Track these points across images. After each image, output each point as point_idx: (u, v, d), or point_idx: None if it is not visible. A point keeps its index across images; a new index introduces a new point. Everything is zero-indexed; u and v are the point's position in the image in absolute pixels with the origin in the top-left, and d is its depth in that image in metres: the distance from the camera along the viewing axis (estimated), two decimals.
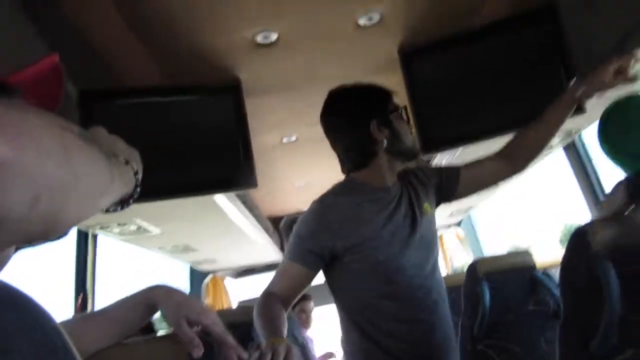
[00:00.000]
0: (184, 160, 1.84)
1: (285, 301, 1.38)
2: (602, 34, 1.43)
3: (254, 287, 5.07)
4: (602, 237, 0.95)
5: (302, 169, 3.18)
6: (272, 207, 3.86)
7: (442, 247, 4.64)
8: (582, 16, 1.50)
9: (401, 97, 2.04)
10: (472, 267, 1.75)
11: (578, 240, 0.96)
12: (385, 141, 1.43)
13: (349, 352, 1.50)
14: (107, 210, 0.70)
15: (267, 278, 4.90)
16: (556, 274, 1.81)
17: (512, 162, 1.54)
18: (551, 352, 1.63)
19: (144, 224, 2.25)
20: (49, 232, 0.46)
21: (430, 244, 1.49)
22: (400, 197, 1.48)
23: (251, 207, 2.85)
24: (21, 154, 0.40)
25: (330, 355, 4.19)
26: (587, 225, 0.97)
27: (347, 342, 1.51)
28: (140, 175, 0.70)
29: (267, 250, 3.77)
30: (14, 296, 0.42)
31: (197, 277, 4.09)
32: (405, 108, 1.51)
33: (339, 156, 1.51)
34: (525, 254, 1.86)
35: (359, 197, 1.44)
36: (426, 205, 1.51)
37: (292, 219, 4.14)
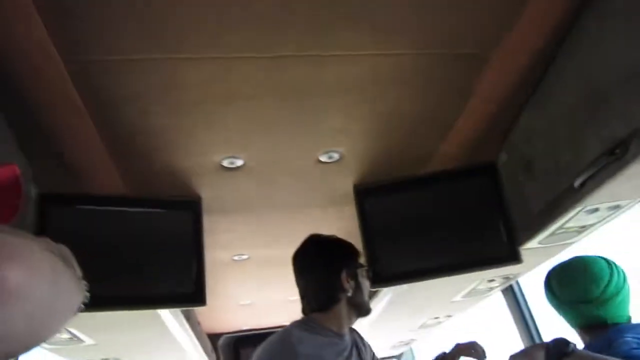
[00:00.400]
0: (135, 272, 1.83)
1: None
2: (537, 194, 1.61)
3: None
4: None
5: (249, 288, 3.16)
6: (213, 323, 3.75)
7: None
8: (520, 177, 1.69)
9: (356, 229, 2.17)
10: None
11: None
12: (350, 291, 1.57)
13: None
14: None
15: None
16: None
17: None
18: None
19: (78, 334, 2.14)
20: (29, 346, 0.51)
21: None
22: (352, 348, 1.58)
23: (193, 323, 2.77)
24: (27, 280, 0.46)
25: None
26: None
27: None
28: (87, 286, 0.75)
29: None
30: None
31: None
32: (368, 269, 1.68)
33: (304, 295, 1.61)
34: None
35: (321, 338, 1.50)
36: None
37: (232, 338, 4.03)
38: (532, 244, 1.76)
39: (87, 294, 0.73)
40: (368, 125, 1.67)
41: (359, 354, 1.61)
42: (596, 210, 1.53)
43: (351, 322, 1.60)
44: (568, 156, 1.44)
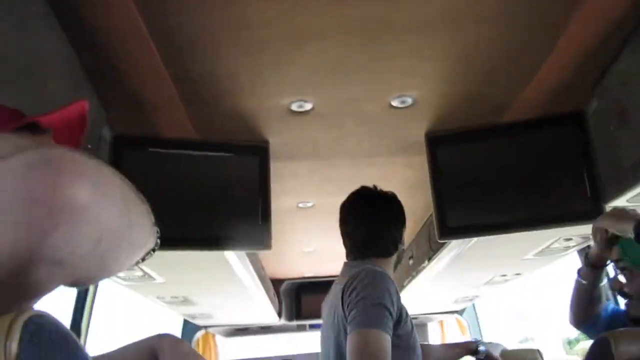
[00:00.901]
0: (204, 214, 1.86)
1: None
2: (631, 145, 1.46)
3: (244, 348, 4.95)
4: (625, 350, 0.93)
5: (313, 236, 3.18)
6: (276, 269, 3.83)
7: (442, 332, 4.54)
8: (612, 126, 1.55)
9: (423, 179, 2.10)
10: None
11: (600, 350, 0.95)
12: (403, 246, 1.73)
13: None
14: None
15: (258, 340, 4.80)
16: None
17: None
18: None
19: (150, 272, 2.24)
20: (96, 276, 0.50)
21: None
22: None
23: (258, 267, 2.83)
24: (97, 200, 0.45)
25: None
26: (610, 335, 0.96)
27: None
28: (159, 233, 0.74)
29: (264, 312, 3.71)
30: (64, 336, 0.43)
31: (189, 330, 4.00)
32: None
33: (366, 241, 1.67)
34: (533, 352, 1.83)
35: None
36: None
37: (294, 284, 4.12)
38: (620, 201, 1.62)
39: (158, 238, 0.74)
40: (443, 68, 1.57)
41: None
42: None
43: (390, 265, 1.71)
44: None
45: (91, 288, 2.60)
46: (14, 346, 0.39)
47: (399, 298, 1.48)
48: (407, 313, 1.52)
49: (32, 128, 0.78)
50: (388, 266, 1.67)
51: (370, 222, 1.69)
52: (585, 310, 1.54)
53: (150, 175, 1.79)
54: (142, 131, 1.81)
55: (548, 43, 1.48)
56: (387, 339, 1.34)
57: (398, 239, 1.69)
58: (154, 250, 0.72)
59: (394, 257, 1.70)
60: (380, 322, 1.36)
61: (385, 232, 1.68)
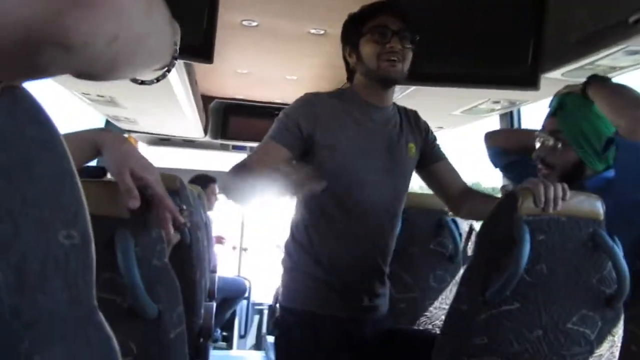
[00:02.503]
0: None
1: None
2: (582, 22, 1.50)
3: (165, 159, 5.03)
4: (527, 205, 1.07)
5: (250, 57, 3.09)
6: (208, 86, 3.75)
7: None
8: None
9: None
10: None
11: (508, 201, 1.08)
12: (353, 64, 1.57)
13: (287, 249, 1.62)
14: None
15: (181, 152, 4.88)
16: (462, 223, 2.01)
17: (462, 207, 1.64)
18: (437, 289, 1.85)
19: None
20: (103, 74, 0.48)
21: (396, 174, 1.57)
22: (388, 122, 1.58)
23: (192, 80, 2.76)
24: None
25: (220, 239, 4.37)
26: (518, 191, 1.09)
27: (289, 240, 1.61)
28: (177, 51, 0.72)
29: (191, 126, 3.71)
30: (37, 109, 0.42)
31: None
32: (377, 28, 1.49)
33: None
34: None
35: (350, 106, 1.54)
36: (411, 145, 1.61)
37: (224, 104, 4.09)
38: (555, 74, 1.71)
39: (175, 58, 0.70)
40: None
41: (398, 132, 1.59)
42: (636, 52, 1.45)
43: (378, 93, 1.56)
44: None
45: None
46: None
47: (325, 121, 1.49)
48: (344, 142, 1.49)
49: None
50: (360, 90, 1.57)
51: None
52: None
53: None
54: None
55: None
56: (274, 146, 1.46)
57: (348, 64, 1.60)
58: (169, 70, 0.72)
59: (358, 80, 1.58)
60: (274, 133, 1.49)
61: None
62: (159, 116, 3.35)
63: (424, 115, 2.72)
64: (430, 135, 1.68)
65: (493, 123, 2.66)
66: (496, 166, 1.73)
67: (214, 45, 1.82)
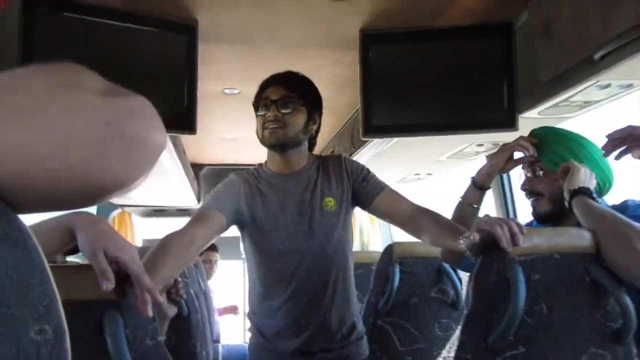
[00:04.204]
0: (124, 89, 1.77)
1: (191, 241, 1.45)
2: (550, 62, 1.55)
3: (161, 229, 5.00)
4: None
5: (236, 123, 3.15)
6: (197, 154, 3.81)
7: (354, 224, 4.81)
8: (537, 41, 1.61)
9: (351, 77, 2.10)
10: (388, 249, 1.87)
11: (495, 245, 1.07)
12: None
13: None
14: None
15: (176, 222, 4.88)
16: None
17: (415, 232, 1.57)
18: (444, 337, 1.80)
19: None
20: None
21: (317, 234, 1.60)
22: (297, 186, 1.64)
23: (180, 150, 2.80)
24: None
25: (234, 308, 4.26)
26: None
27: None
28: None
29: (183, 194, 3.72)
30: (1, 206, 0.42)
31: (104, 208, 3.96)
32: (261, 101, 1.62)
33: None
34: None
35: (261, 181, 1.66)
36: (328, 200, 1.63)
37: (214, 170, 4.12)
38: (532, 113, 1.74)
39: None
40: None
41: (312, 190, 1.63)
42: (608, 86, 1.49)
43: (280, 160, 1.65)
44: (595, 25, 1.35)
45: None
46: None
47: (247, 198, 1.61)
48: (261, 215, 1.61)
49: None
50: (269, 161, 1.69)
51: None
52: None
53: (66, 45, 1.65)
54: None
55: None
56: (208, 210, 1.56)
57: None
58: None
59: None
60: (208, 201, 1.61)
61: None
62: (151, 188, 3.36)
63: (411, 163, 2.77)
64: (361, 174, 1.67)
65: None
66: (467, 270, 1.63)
67: (196, 115, 1.86)
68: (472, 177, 1.52)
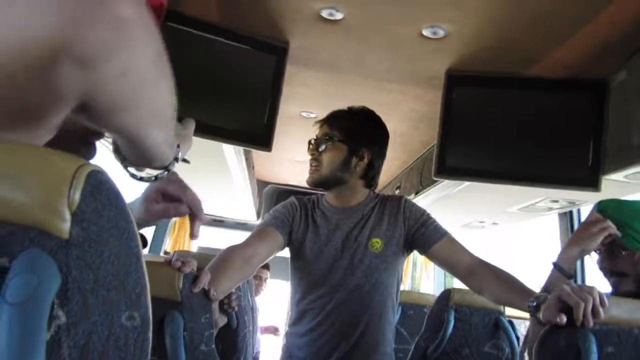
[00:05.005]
0: (211, 102, 1.85)
1: (252, 256, 1.52)
2: None
3: (218, 239, 5.11)
4: None
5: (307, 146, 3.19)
6: (265, 171, 3.88)
7: (407, 264, 4.72)
8: (632, 102, 1.55)
9: (429, 115, 2.09)
10: (446, 294, 1.81)
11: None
12: None
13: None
14: (142, 178, 0.79)
15: (234, 234, 4.97)
16: (520, 325, 1.90)
17: (473, 284, 1.51)
18: None
19: None
20: (109, 114, 0.48)
21: (356, 272, 1.61)
22: (347, 221, 1.67)
23: (250, 165, 2.86)
24: (136, 30, 0.44)
25: (275, 330, 4.25)
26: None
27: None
28: (180, 155, 0.77)
29: (244, 208, 3.80)
30: (116, 193, 0.44)
31: None
32: (311, 141, 1.74)
33: None
34: None
35: (317, 209, 1.73)
36: (375, 240, 1.63)
37: (277, 189, 4.19)
38: (618, 176, 1.66)
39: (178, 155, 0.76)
40: (487, 5, 1.52)
41: (361, 229, 1.65)
42: None
43: (332, 195, 1.73)
44: None
45: None
46: (77, 195, 0.40)
47: (298, 223, 1.69)
48: (308, 244, 1.66)
49: None
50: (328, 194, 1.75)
51: None
52: None
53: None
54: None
55: (592, 10, 1.44)
56: (265, 228, 1.65)
57: None
58: (168, 170, 0.76)
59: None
60: (265, 220, 1.70)
61: None
62: (215, 198, 3.45)
63: (477, 211, 2.70)
64: (420, 219, 1.64)
65: (552, 221, 2.58)
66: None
67: (273, 134, 1.90)
68: (555, 263, 1.40)
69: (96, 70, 0.41)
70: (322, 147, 1.66)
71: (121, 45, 0.42)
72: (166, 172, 0.76)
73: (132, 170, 0.77)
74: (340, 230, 1.65)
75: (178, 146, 0.75)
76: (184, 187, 1.00)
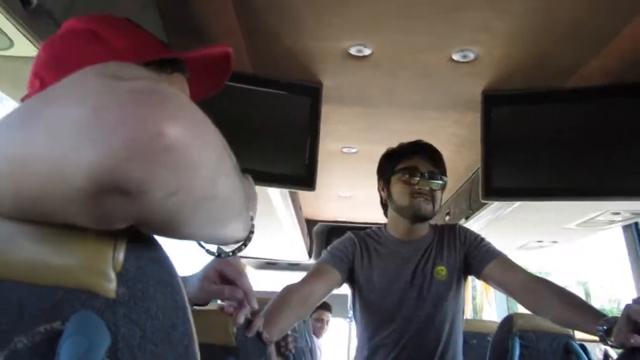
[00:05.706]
0: (252, 149, 1.90)
1: (309, 295, 1.51)
2: None
3: (271, 282, 5.12)
4: None
5: (351, 182, 3.20)
6: (312, 210, 3.90)
7: (467, 290, 4.59)
8: None
9: (471, 138, 2.06)
10: (508, 320, 1.74)
11: None
12: (384, 199, 1.76)
13: None
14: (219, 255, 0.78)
15: (287, 276, 4.99)
16: (594, 349, 1.80)
17: (529, 303, 1.45)
18: None
19: None
20: (164, 229, 0.46)
21: (426, 302, 1.61)
22: (415, 253, 1.66)
23: (297, 206, 2.89)
24: (184, 150, 0.40)
25: None
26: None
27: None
28: (254, 222, 0.70)
29: (295, 249, 3.81)
30: (157, 249, 0.46)
31: None
32: (407, 169, 1.66)
33: None
34: None
35: (380, 245, 1.71)
36: (440, 269, 1.63)
37: (327, 227, 4.19)
38: None
39: (252, 232, 0.68)
40: (515, 24, 1.50)
41: (425, 260, 1.65)
42: None
43: (407, 228, 1.69)
44: None
45: None
46: (120, 256, 0.42)
47: (360, 258, 1.68)
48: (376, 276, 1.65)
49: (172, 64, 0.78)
50: (391, 226, 1.74)
51: None
52: None
53: (198, 104, 1.81)
54: None
55: (628, 13, 1.40)
56: (322, 266, 1.64)
57: (381, 197, 1.79)
58: (245, 244, 0.68)
59: (390, 214, 1.75)
60: (323, 258, 1.69)
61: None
62: (265, 241, 3.49)
63: (534, 231, 2.61)
64: (474, 242, 1.65)
65: (615, 235, 2.46)
66: None
67: (316, 173, 1.92)
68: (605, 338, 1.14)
69: (142, 198, 0.39)
70: (437, 186, 1.65)
71: (168, 170, 0.39)
72: (244, 247, 0.71)
73: (206, 246, 0.76)
74: (409, 263, 1.66)
75: (252, 218, 0.69)
76: (240, 272, 1.02)
